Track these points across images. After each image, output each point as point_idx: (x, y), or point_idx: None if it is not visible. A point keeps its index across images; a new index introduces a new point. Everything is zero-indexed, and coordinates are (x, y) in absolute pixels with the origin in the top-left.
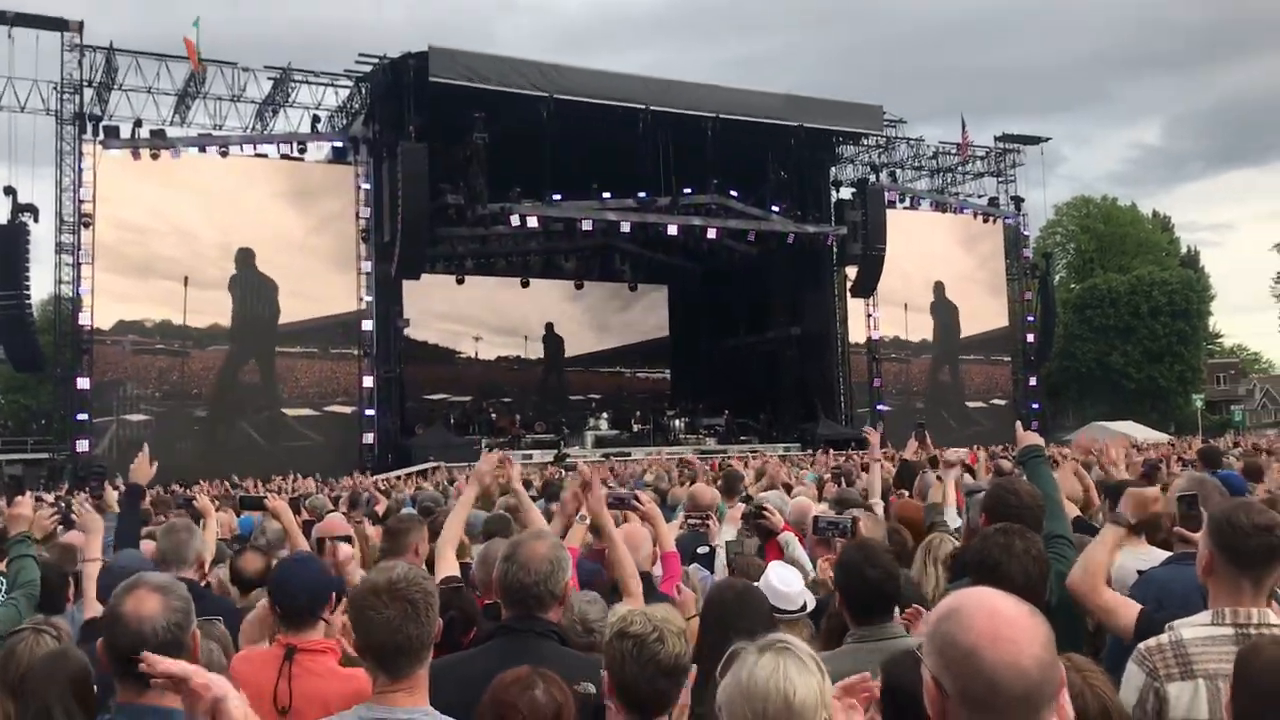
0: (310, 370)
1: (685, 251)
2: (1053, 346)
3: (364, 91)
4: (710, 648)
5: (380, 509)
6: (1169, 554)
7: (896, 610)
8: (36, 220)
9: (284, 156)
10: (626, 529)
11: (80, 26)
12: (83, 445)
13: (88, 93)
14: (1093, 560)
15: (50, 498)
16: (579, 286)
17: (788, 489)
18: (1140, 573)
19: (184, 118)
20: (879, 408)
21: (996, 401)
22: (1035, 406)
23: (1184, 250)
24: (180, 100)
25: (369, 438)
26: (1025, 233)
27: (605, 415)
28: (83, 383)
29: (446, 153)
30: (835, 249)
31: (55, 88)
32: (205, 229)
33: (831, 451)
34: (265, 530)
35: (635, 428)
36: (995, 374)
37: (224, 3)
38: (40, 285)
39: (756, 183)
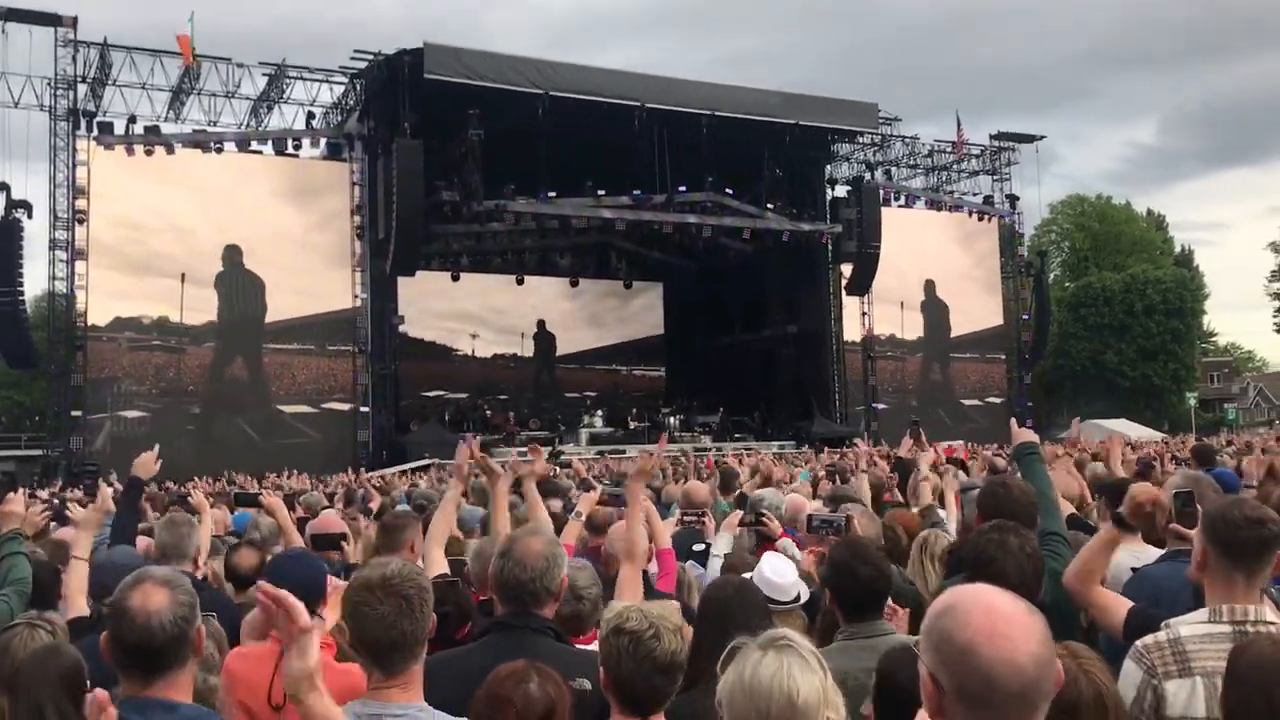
0: (307, 367)
1: (680, 249)
2: (1047, 345)
3: (359, 88)
4: (707, 644)
5: (375, 505)
6: (1163, 551)
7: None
8: (30, 216)
9: (279, 153)
10: (621, 526)
11: (74, 22)
12: (76, 442)
13: (81, 88)
14: (1089, 559)
15: (44, 494)
16: (574, 284)
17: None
18: (1134, 570)
19: (178, 114)
20: (875, 406)
21: (992, 399)
22: (1029, 405)
23: (1178, 249)
24: (175, 96)
25: (364, 435)
26: (1020, 231)
27: (600, 413)
28: (76, 379)
29: (442, 149)
30: (830, 247)
31: (49, 83)
32: (201, 225)
33: (827, 449)
34: (259, 525)
35: (632, 425)
36: (991, 372)
37: None
38: (34, 282)
39: (752, 180)
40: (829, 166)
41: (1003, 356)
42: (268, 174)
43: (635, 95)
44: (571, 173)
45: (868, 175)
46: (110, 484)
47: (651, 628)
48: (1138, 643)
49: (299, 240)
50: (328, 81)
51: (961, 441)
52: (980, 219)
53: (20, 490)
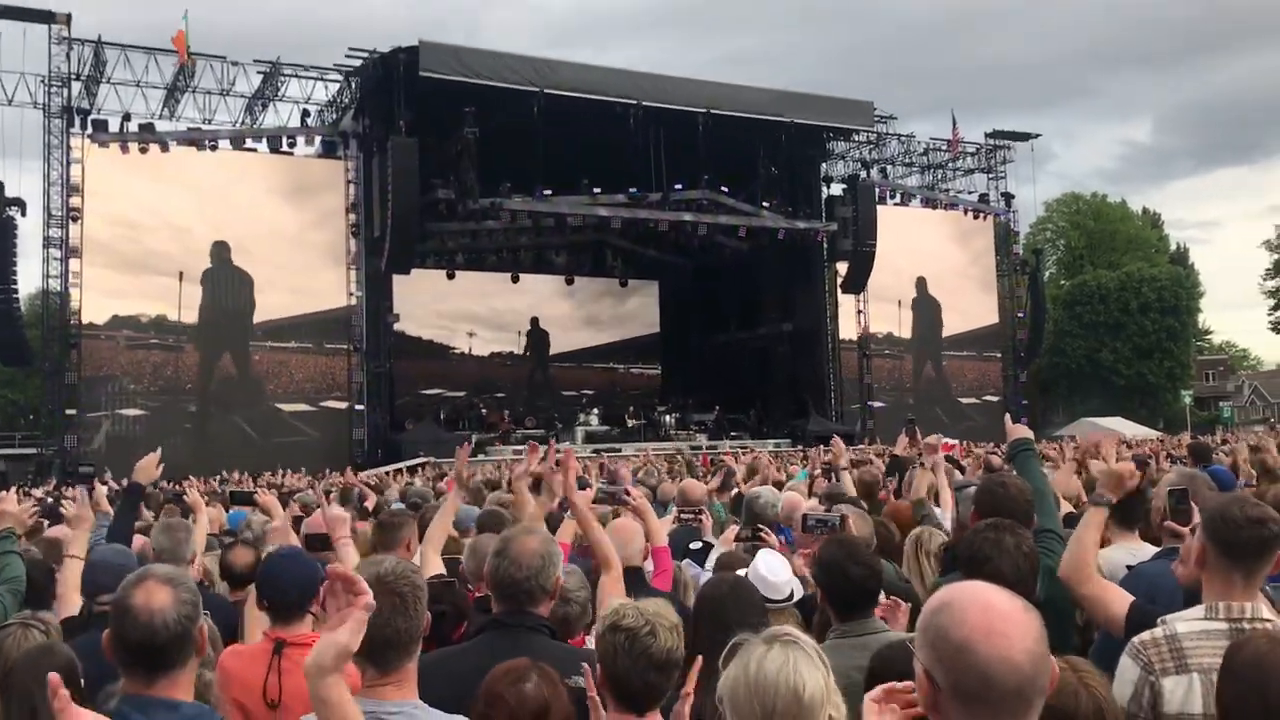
0: (305, 365)
1: (676, 247)
2: (1043, 343)
3: (354, 86)
4: (704, 642)
5: (370, 504)
6: (1159, 549)
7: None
8: (24, 214)
9: (274, 151)
10: (618, 523)
11: (68, 19)
12: (71, 441)
13: (76, 86)
14: (1080, 546)
15: (38, 493)
16: (570, 282)
17: (778, 485)
18: (1130, 567)
19: (173, 111)
20: (873, 404)
21: (989, 398)
22: (1024, 403)
23: (1173, 247)
24: (169, 94)
25: (359, 433)
26: (1016, 229)
27: (596, 411)
28: (70, 377)
29: (437, 147)
30: (826, 245)
31: (43, 81)
32: (197, 223)
33: (822, 448)
34: (250, 525)
35: (629, 423)
36: (987, 370)
37: None
38: (29, 280)
39: (747, 179)
40: (824, 165)
41: (998, 355)
42: (263, 172)
43: (631, 93)
44: (567, 171)
45: (863, 173)
46: (105, 483)
47: (648, 625)
48: (1134, 639)
49: (294, 238)
50: (323, 79)
51: (957, 441)
52: (976, 217)
53: (13, 489)
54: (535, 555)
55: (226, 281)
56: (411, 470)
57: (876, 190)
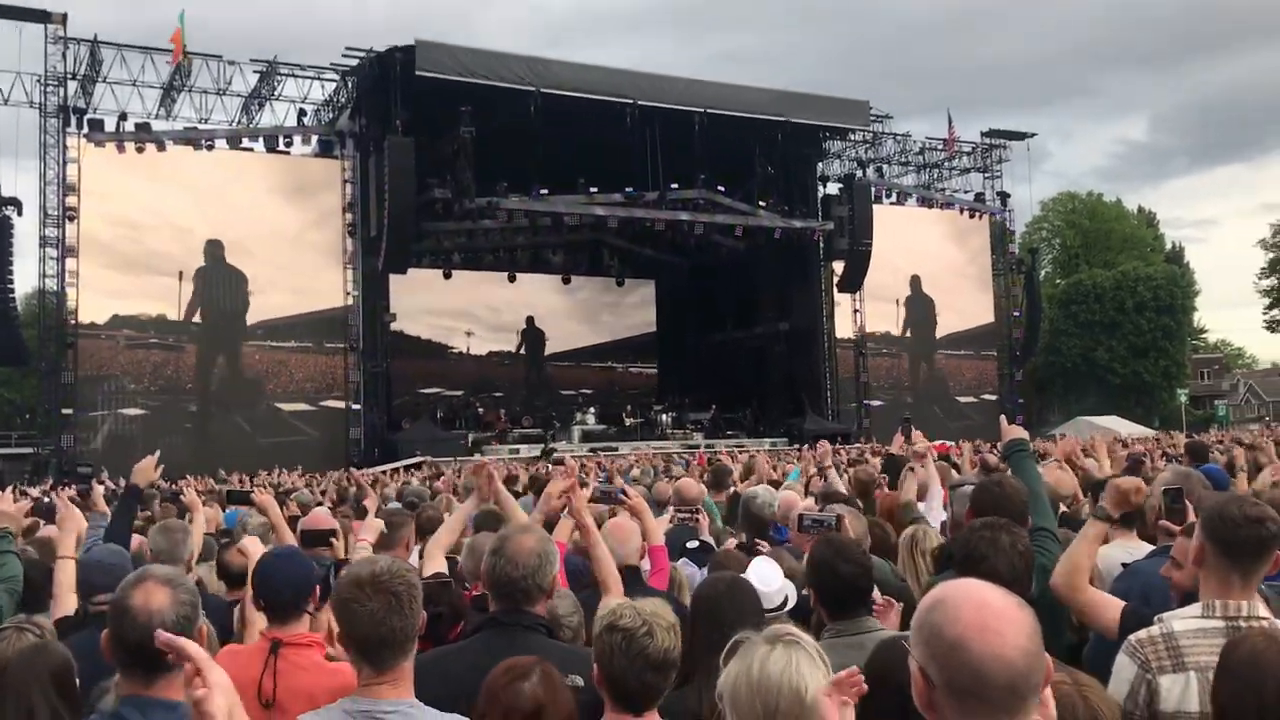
0: (305, 364)
1: (673, 246)
2: (1038, 342)
3: (350, 85)
4: (700, 642)
5: (369, 505)
6: (1154, 547)
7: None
8: (20, 214)
9: (270, 150)
10: (614, 523)
11: (64, 19)
12: (68, 440)
13: (72, 85)
14: (1076, 558)
15: (35, 492)
16: (566, 281)
17: (775, 485)
18: (1125, 565)
19: (169, 111)
20: (871, 403)
21: (987, 397)
22: (1020, 402)
23: (1169, 246)
24: (165, 93)
25: (356, 432)
26: (1011, 228)
27: (592, 410)
28: (67, 377)
29: (433, 147)
30: (822, 244)
31: (39, 80)
32: (194, 223)
33: (814, 447)
34: (246, 526)
35: (627, 422)
36: (985, 369)
37: None
38: (25, 279)
39: (744, 178)
40: (821, 164)
41: (994, 354)
42: (259, 171)
43: (628, 93)
44: (564, 170)
45: (859, 172)
46: (103, 483)
47: (645, 625)
48: (1131, 637)
49: (290, 237)
50: (319, 79)
51: (953, 443)
52: (971, 216)
53: (9, 489)
54: (532, 554)
55: (221, 280)
56: (408, 469)
57: (872, 189)
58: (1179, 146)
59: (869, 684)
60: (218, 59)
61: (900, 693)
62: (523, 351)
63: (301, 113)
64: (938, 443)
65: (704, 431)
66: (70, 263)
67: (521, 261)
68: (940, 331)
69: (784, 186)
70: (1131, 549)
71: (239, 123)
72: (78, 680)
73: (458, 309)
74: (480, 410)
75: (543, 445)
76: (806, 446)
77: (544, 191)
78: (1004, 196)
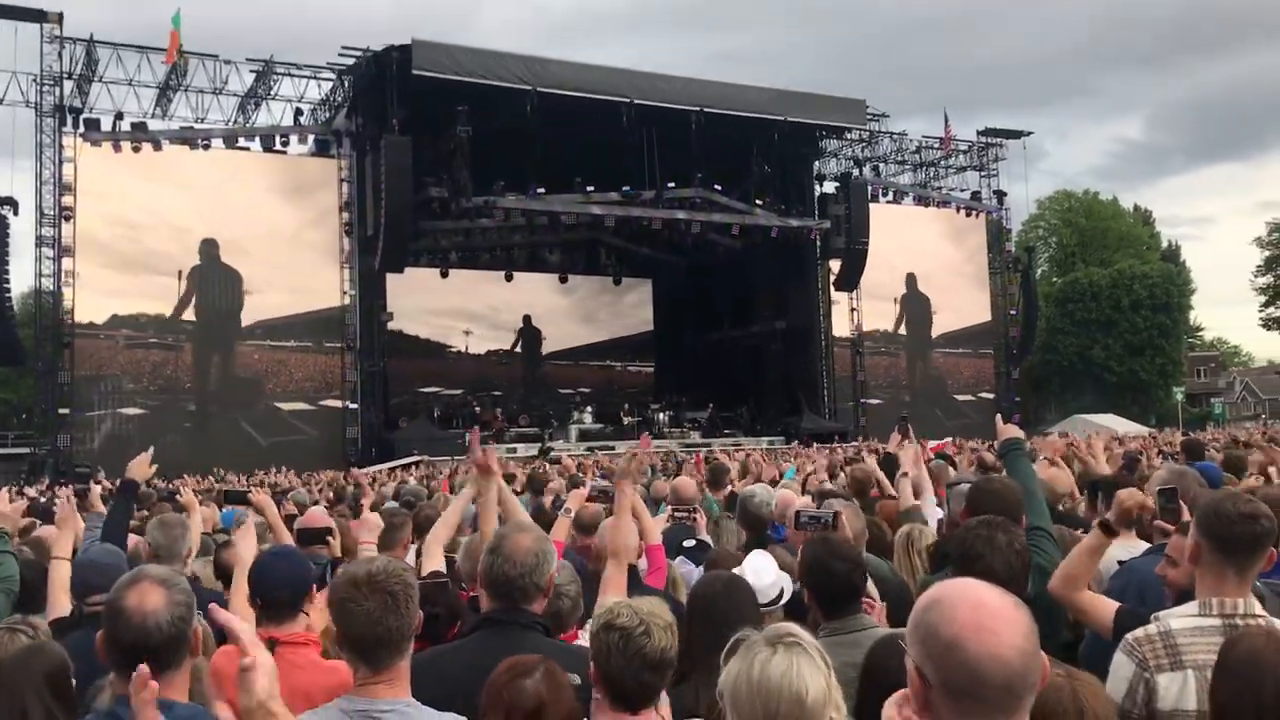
0: (304, 364)
1: (669, 245)
2: (1035, 340)
3: (347, 84)
4: (697, 641)
5: (366, 503)
6: (1151, 545)
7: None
8: (16, 213)
9: (267, 150)
10: (611, 521)
11: (60, 18)
12: (64, 440)
13: (68, 85)
14: (1074, 567)
15: (32, 492)
16: (564, 280)
17: (772, 483)
18: (1121, 562)
19: (165, 110)
20: (870, 401)
21: (985, 395)
22: (1017, 400)
23: (1165, 244)
24: (162, 93)
25: (353, 431)
26: (1008, 227)
27: (590, 409)
28: (63, 376)
29: (430, 146)
30: (819, 243)
31: (35, 80)
32: (191, 223)
33: (815, 445)
34: (242, 524)
35: (625, 421)
36: (983, 367)
37: None
38: (21, 279)
39: (741, 176)
40: (817, 163)
41: (992, 352)
42: (256, 171)
43: (624, 92)
44: (560, 169)
45: (856, 171)
46: (99, 482)
47: (642, 624)
48: (1128, 635)
49: (287, 237)
50: (316, 78)
51: (950, 439)
52: (968, 215)
53: (5, 489)
54: (529, 553)
55: (216, 280)
56: (406, 469)
57: (869, 188)
58: (1175, 145)
59: (866, 683)
60: (214, 58)
61: (897, 691)
62: (519, 350)
63: (298, 112)
64: (935, 442)
65: (701, 430)
66: (66, 262)
67: (518, 261)
68: (937, 330)
69: (781, 185)
70: (1130, 547)
71: (235, 122)
72: (73, 681)
73: (455, 308)
74: (477, 409)
75: (540, 444)
76: (836, 440)
77: (541, 191)
78: (1000, 195)
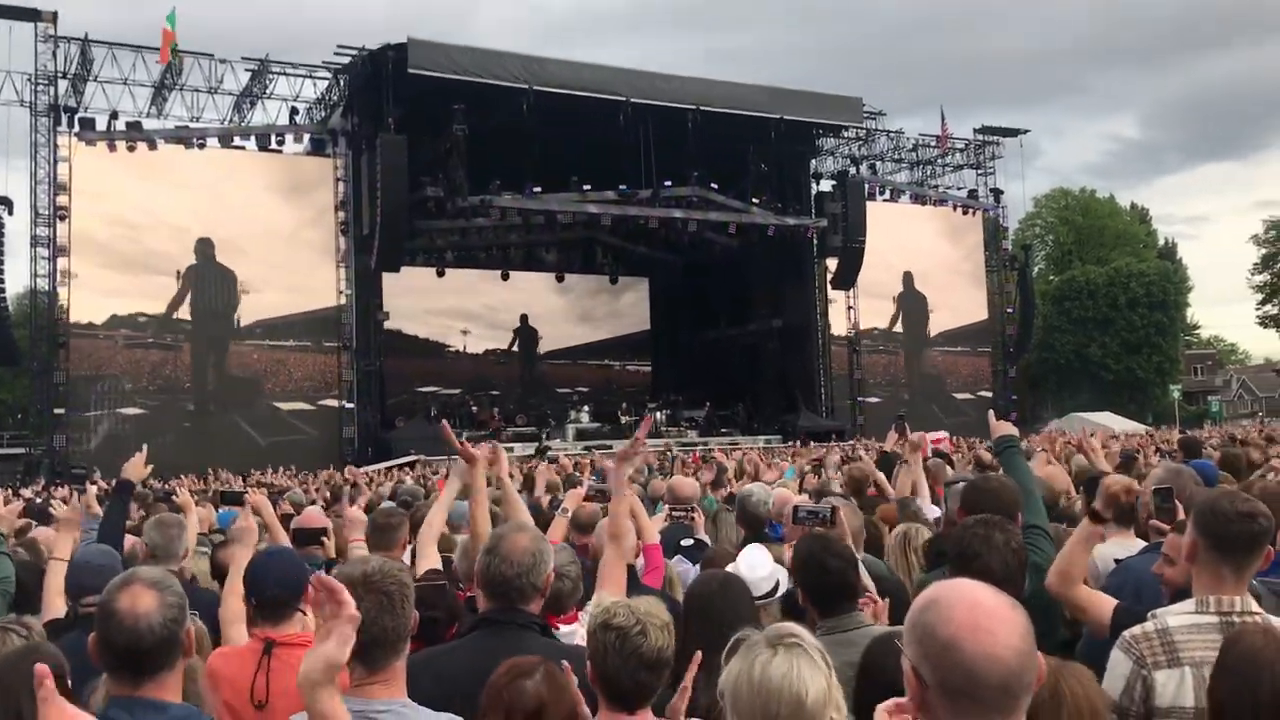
0: (304, 364)
1: (666, 244)
2: (1032, 338)
3: (342, 83)
4: (694, 638)
5: (362, 503)
6: (1147, 543)
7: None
8: (11, 213)
9: (262, 149)
10: (610, 505)
11: (54, 17)
12: (60, 440)
13: (62, 84)
14: (1069, 559)
15: (28, 493)
16: (560, 279)
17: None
18: (1118, 561)
19: (160, 109)
20: (868, 399)
21: (984, 393)
22: (1013, 398)
23: (1161, 242)
24: (157, 92)
25: (349, 431)
26: (1004, 225)
27: (587, 408)
28: (59, 376)
29: (426, 145)
30: (816, 241)
31: (29, 79)
32: (186, 222)
33: (813, 444)
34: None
35: (622, 420)
36: (980, 365)
37: None
38: (17, 279)
39: (737, 175)
40: (814, 161)
41: (989, 350)
42: (251, 170)
43: (621, 90)
44: (557, 168)
45: (853, 169)
46: (95, 483)
47: (638, 624)
48: (1126, 633)
49: (285, 236)
50: (311, 77)
51: (946, 433)
52: (965, 213)
53: (1, 490)
54: (526, 553)
55: (211, 279)
56: (402, 468)
57: (866, 186)
58: (1172, 143)
59: (863, 681)
60: (209, 57)
61: (894, 691)
62: (516, 350)
63: (294, 111)
64: (934, 434)
65: (698, 429)
66: (62, 262)
67: (515, 260)
68: (935, 328)
69: (777, 183)
70: (1128, 546)
71: (231, 121)
72: (68, 682)
73: (452, 308)
74: (474, 409)
75: (537, 444)
76: (833, 438)
77: (537, 189)
78: (997, 193)
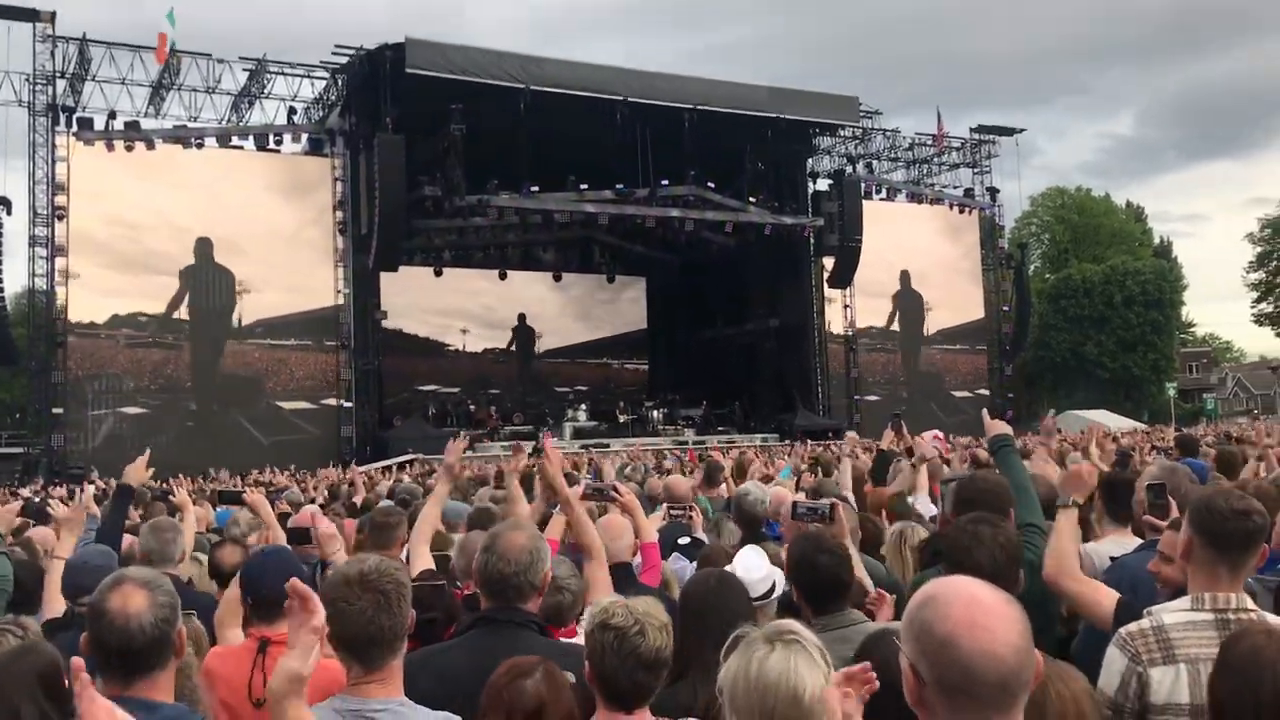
0: (305, 363)
1: (663, 243)
2: (1028, 336)
3: (340, 83)
4: (691, 639)
5: (359, 500)
6: (1144, 541)
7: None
8: (9, 213)
9: (260, 149)
10: (605, 520)
11: (52, 17)
12: (58, 440)
13: (60, 84)
14: (1058, 548)
15: (26, 492)
16: (557, 278)
17: (767, 480)
18: (1114, 558)
19: (158, 109)
20: (867, 398)
21: (982, 391)
22: (1010, 396)
23: (1157, 240)
24: (155, 92)
25: (347, 430)
26: (1001, 223)
27: (583, 407)
28: (57, 376)
29: (424, 144)
30: (812, 240)
31: (27, 79)
32: (184, 222)
33: (810, 442)
34: (239, 521)
35: (621, 419)
36: (978, 363)
37: None
38: (15, 279)
39: (734, 174)
40: (810, 160)
41: (985, 348)
42: (249, 170)
43: (617, 90)
44: (554, 167)
45: (849, 168)
46: (92, 482)
47: (637, 624)
48: (1121, 630)
49: (285, 236)
50: (309, 77)
51: (940, 432)
52: (961, 212)
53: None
54: (523, 551)
55: (209, 279)
56: (400, 467)
57: (862, 185)
58: (1167, 142)
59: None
60: (207, 57)
61: (888, 687)
62: (513, 349)
63: (291, 111)
64: (929, 433)
65: (695, 428)
66: (60, 262)
67: (512, 259)
68: (932, 326)
69: (774, 183)
70: (1123, 544)
71: (228, 121)
72: (66, 681)
73: (450, 307)
74: (472, 408)
75: (534, 443)
76: (830, 436)
77: (534, 189)
78: (993, 192)
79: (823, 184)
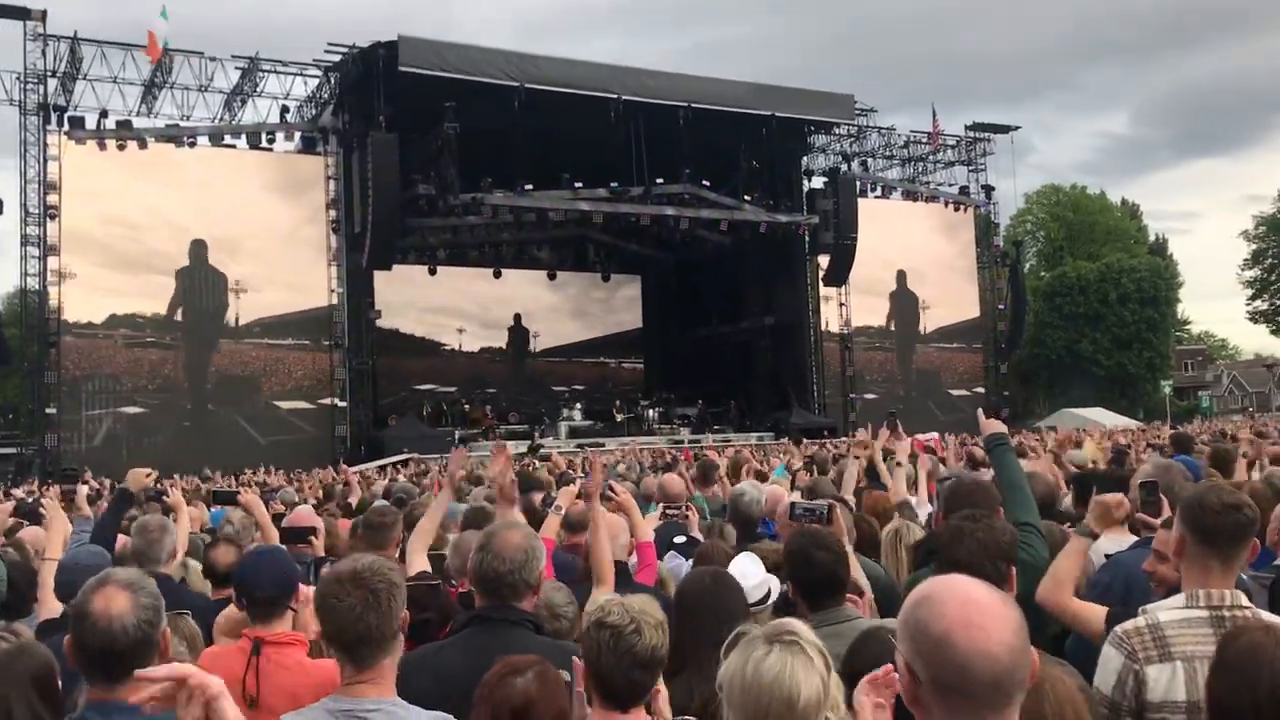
0: (303, 362)
1: (658, 241)
2: (1023, 334)
3: (333, 81)
4: (686, 637)
5: (354, 500)
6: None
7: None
8: (1, 212)
9: (253, 147)
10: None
11: (43, 15)
12: (51, 440)
13: (52, 83)
14: (1060, 573)
15: (19, 493)
16: (552, 277)
17: (762, 478)
18: (1108, 556)
19: (150, 108)
20: (865, 396)
21: (979, 389)
22: (1005, 394)
23: (1152, 238)
24: (147, 90)
25: (341, 429)
26: (996, 221)
27: (579, 406)
28: (50, 376)
29: (417, 143)
30: (807, 238)
31: (18, 78)
32: (188, 221)
33: (805, 441)
34: (231, 520)
35: (617, 418)
36: (974, 361)
37: None
38: (7, 278)
39: (729, 172)
40: (805, 158)
41: (980, 346)
42: (242, 168)
43: (612, 88)
44: (548, 165)
45: (844, 166)
46: (85, 482)
47: (633, 623)
48: (1117, 628)
49: (276, 235)
50: (302, 75)
51: (936, 433)
52: (956, 209)
53: None
54: (518, 549)
55: (203, 280)
56: (395, 466)
57: (857, 183)
58: (1162, 139)
59: (849, 675)
60: (199, 55)
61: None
62: (508, 348)
63: (284, 109)
64: (923, 436)
65: (691, 426)
66: (52, 261)
67: (507, 257)
68: (929, 325)
69: (769, 181)
70: (1119, 541)
71: (221, 120)
72: (59, 682)
73: (445, 306)
74: (467, 407)
75: (529, 442)
76: (825, 435)
77: (529, 187)
78: (988, 190)
79: (818, 182)
